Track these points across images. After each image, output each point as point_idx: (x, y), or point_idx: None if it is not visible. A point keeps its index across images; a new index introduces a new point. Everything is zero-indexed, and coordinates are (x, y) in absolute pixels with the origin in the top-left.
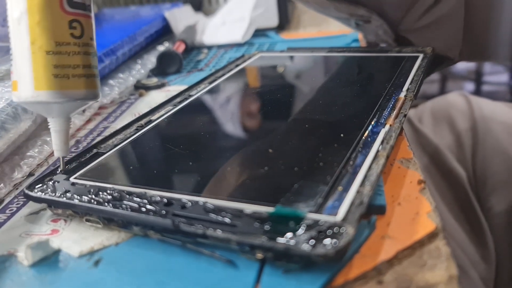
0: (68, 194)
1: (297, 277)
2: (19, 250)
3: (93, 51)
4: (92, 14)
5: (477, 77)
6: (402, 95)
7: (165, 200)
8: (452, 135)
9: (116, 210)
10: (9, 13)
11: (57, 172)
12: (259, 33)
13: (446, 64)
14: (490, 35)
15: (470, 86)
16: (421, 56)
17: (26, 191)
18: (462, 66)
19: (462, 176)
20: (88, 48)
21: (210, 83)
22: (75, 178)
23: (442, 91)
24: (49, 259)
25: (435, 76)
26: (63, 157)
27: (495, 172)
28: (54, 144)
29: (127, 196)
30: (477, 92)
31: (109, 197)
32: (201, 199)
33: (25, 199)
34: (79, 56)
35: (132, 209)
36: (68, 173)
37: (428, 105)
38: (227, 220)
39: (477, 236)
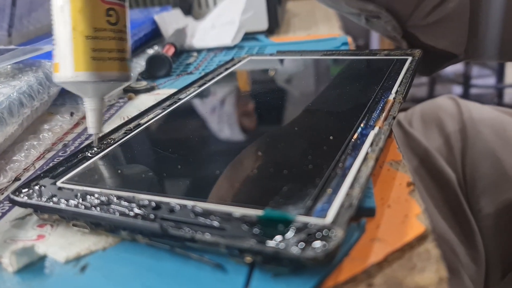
0: (55, 199)
1: (286, 281)
2: (3, 256)
3: (126, 37)
4: (127, 4)
5: (465, 80)
6: (391, 97)
7: (153, 204)
8: (441, 138)
9: (104, 214)
10: (53, 1)
11: (91, 147)
12: (249, 36)
13: (452, 61)
14: (493, 33)
15: (458, 89)
16: (409, 59)
17: (12, 196)
18: (450, 69)
19: (451, 178)
20: (122, 34)
21: (200, 86)
22: (62, 182)
23: (431, 94)
24: (34, 265)
25: (423, 79)
26: (96, 134)
27: (484, 175)
28: (89, 122)
29: (115, 200)
30: (465, 95)
31: (97, 201)
32: (189, 203)
33: (10, 204)
34: (114, 41)
35: (120, 213)
36: (55, 177)
37: (417, 108)
38: (215, 223)
39: (467, 238)
